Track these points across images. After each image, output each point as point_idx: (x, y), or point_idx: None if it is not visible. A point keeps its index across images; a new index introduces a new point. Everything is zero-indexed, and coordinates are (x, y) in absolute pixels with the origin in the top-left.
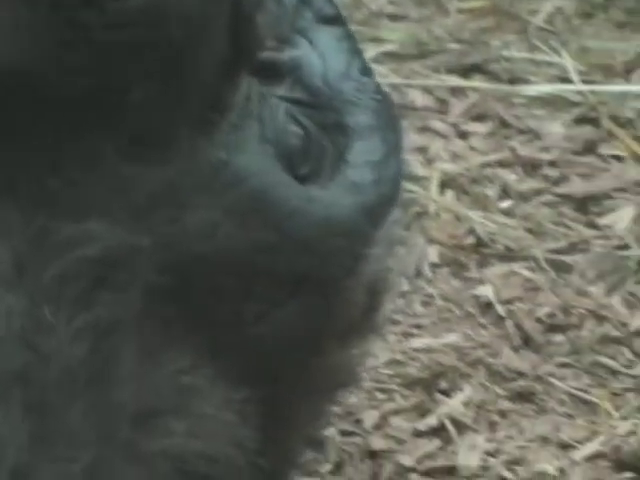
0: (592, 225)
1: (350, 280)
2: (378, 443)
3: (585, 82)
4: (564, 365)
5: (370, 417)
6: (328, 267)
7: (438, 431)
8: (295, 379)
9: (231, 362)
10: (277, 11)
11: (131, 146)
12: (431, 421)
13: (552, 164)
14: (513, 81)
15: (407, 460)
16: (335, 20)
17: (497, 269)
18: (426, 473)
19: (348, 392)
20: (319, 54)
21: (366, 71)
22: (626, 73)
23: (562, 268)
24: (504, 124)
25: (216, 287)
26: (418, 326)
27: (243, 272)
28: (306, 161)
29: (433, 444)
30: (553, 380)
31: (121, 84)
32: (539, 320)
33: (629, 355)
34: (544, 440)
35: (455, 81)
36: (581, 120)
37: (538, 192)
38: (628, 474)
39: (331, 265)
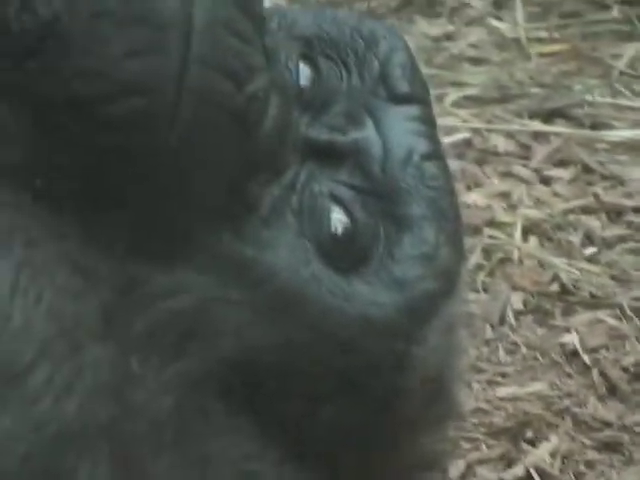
0: None
1: (398, 376)
2: None
3: None
4: None
5: (456, 467)
6: (369, 365)
7: None
8: (363, 468)
9: (292, 449)
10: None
11: (138, 243)
12: (517, 471)
13: (636, 210)
14: (596, 126)
15: None
16: (410, 99)
17: (582, 317)
18: None
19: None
20: (382, 137)
21: (431, 155)
22: None
23: None
24: (587, 170)
25: (253, 385)
26: (503, 374)
27: (277, 371)
28: (351, 253)
29: None
30: None
31: (114, 186)
32: (625, 369)
33: None
34: None
35: (537, 126)
36: None
37: (622, 239)
38: None
39: (372, 363)
